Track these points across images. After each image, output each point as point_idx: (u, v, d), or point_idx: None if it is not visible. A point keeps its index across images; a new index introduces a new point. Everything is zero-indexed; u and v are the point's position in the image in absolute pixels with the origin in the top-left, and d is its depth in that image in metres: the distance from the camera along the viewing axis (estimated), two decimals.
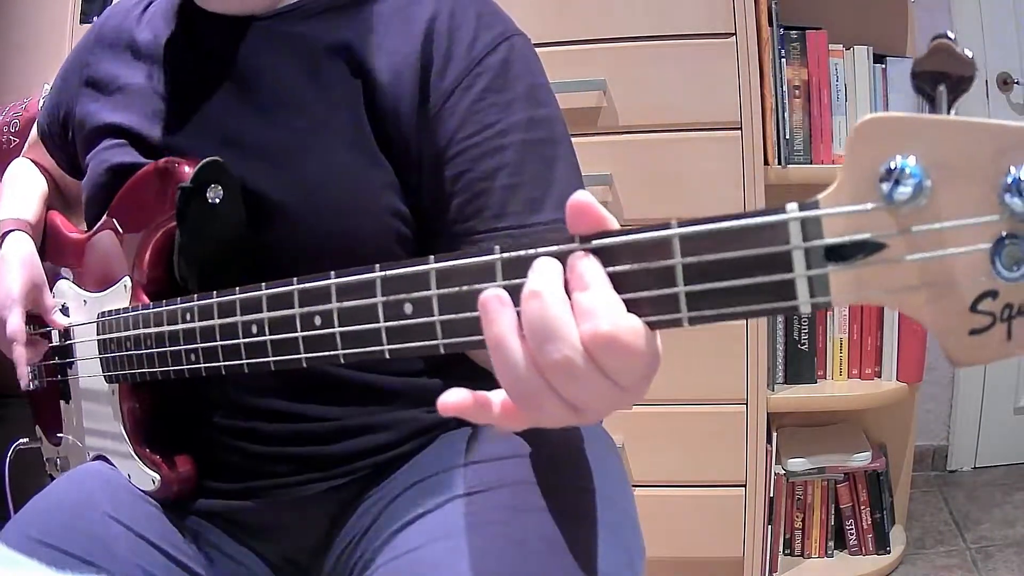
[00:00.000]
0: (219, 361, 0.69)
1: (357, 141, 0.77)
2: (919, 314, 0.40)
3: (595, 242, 0.47)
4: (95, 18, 1.93)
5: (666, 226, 0.44)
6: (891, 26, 1.93)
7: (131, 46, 0.87)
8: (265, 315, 0.64)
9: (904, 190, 0.39)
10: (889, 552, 1.95)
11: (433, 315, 0.52)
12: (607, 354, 0.45)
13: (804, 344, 1.89)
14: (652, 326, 0.46)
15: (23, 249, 0.92)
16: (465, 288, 0.51)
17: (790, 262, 0.41)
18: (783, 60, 1.80)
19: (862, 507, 1.93)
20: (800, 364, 1.90)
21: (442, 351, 0.53)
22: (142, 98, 0.84)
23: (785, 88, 1.80)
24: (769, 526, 1.84)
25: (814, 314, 1.88)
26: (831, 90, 1.82)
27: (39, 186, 1.01)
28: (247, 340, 0.66)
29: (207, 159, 0.74)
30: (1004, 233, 0.38)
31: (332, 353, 0.59)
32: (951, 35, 0.41)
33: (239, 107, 0.80)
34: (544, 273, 0.48)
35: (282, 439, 0.79)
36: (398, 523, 0.73)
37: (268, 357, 0.65)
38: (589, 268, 0.47)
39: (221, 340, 0.69)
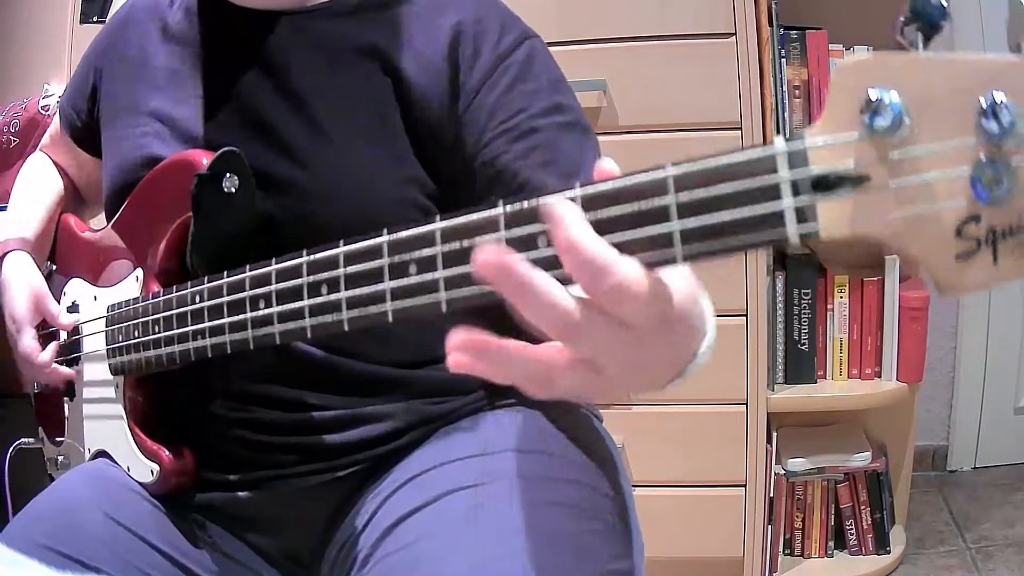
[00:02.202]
0: (224, 336, 0.70)
1: (381, 137, 0.79)
2: (906, 243, 0.42)
3: (590, 188, 0.48)
4: (95, 18, 1.94)
5: (661, 167, 0.46)
6: (891, 26, 1.93)
7: (164, 28, 0.89)
8: (273, 287, 0.65)
9: (884, 120, 0.41)
10: (889, 552, 1.95)
11: (436, 271, 0.52)
12: (617, 305, 0.45)
13: (804, 344, 1.89)
14: (649, 265, 0.46)
15: (22, 268, 0.95)
16: (466, 243, 0.51)
17: (778, 192, 0.43)
18: (783, 60, 1.80)
19: (862, 507, 1.93)
20: (800, 364, 1.90)
21: (444, 308, 0.52)
22: (174, 82, 0.86)
23: (785, 88, 1.80)
24: (769, 526, 1.84)
25: (814, 314, 1.88)
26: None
27: (52, 189, 1.03)
28: (253, 314, 0.67)
29: (224, 149, 0.76)
30: (982, 157, 0.39)
31: (336, 318, 0.59)
32: None
33: (265, 97, 0.82)
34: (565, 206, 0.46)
35: (283, 428, 0.80)
36: (395, 517, 0.73)
37: (273, 328, 0.65)
38: (567, 214, 0.46)
39: (228, 316, 0.69)
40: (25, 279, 0.93)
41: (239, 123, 0.82)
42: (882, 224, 0.42)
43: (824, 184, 0.42)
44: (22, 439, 1.05)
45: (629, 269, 0.44)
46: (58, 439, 0.99)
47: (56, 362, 0.95)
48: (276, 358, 0.79)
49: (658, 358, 0.49)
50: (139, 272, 0.83)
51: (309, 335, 0.62)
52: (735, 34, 1.67)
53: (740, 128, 1.69)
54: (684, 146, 1.70)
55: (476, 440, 0.79)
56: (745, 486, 1.79)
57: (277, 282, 0.64)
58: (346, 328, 0.59)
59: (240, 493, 0.81)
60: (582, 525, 0.70)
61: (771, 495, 1.86)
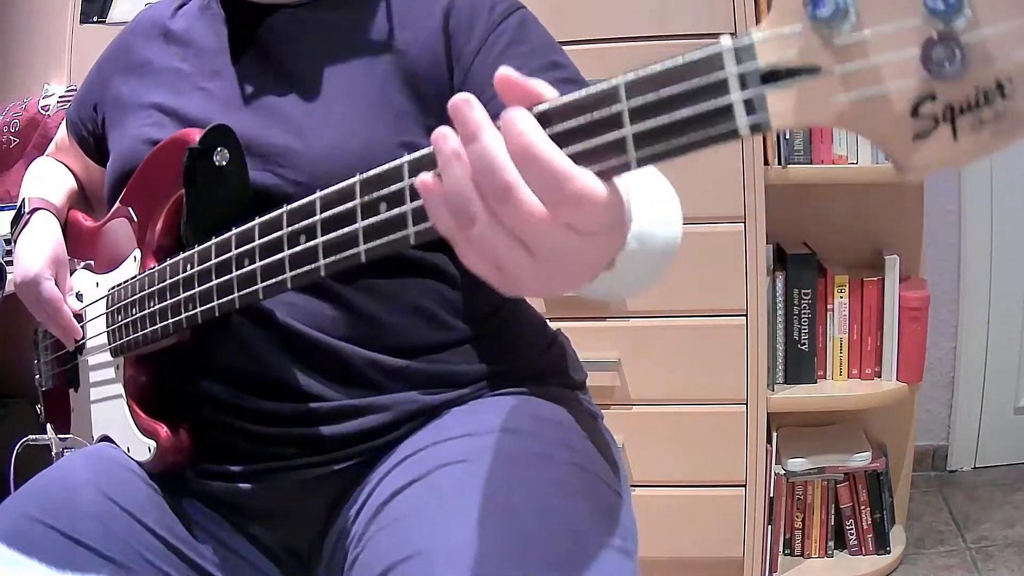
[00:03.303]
0: (213, 301, 0.72)
1: (380, 107, 0.82)
2: (860, 127, 0.42)
3: (545, 104, 0.49)
4: (95, 18, 1.94)
5: (613, 78, 0.47)
6: None
7: (165, 34, 0.93)
8: (256, 243, 0.67)
9: (825, 8, 0.41)
10: (889, 552, 1.95)
11: (405, 205, 0.54)
12: (569, 209, 0.47)
13: (804, 344, 1.89)
14: (603, 175, 0.47)
15: (49, 227, 0.96)
16: (436, 171, 0.52)
17: (727, 87, 0.44)
18: None
19: (862, 507, 1.94)
20: (800, 364, 1.90)
21: (413, 241, 0.54)
22: (176, 79, 0.89)
23: None
24: (769, 526, 1.84)
25: (814, 314, 1.88)
26: None
27: (65, 181, 1.04)
28: (239, 272, 0.69)
29: (214, 123, 0.77)
30: (933, 35, 0.39)
31: (313, 266, 0.61)
32: None
33: (265, 82, 0.84)
34: (481, 116, 0.48)
35: (282, 420, 0.80)
36: (387, 494, 0.74)
37: (256, 285, 0.67)
38: (520, 118, 0.48)
39: (216, 279, 0.71)
40: (54, 240, 0.95)
41: (239, 108, 0.84)
42: (832, 110, 0.42)
43: (772, 76, 0.43)
44: (30, 435, 1.06)
45: (587, 177, 0.46)
46: (64, 435, 0.99)
47: (59, 356, 0.96)
48: (276, 349, 0.79)
49: (599, 257, 0.52)
50: (137, 252, 0.84)
51: (289, 286, 0.64)
52: (735, 34, 1.67)
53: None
54: None
55: (470, 421, 0.79)
56: (745, 486, 1.79)
57: (260, 237, 0.67)
58: (323, 274, 0.61)
59: (239, 484, 0.81)
60: (575, 503, 0.70)
61: (771, 495, 1.86)
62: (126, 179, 0.87)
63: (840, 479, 1.93)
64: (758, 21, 1.68)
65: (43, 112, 1.95)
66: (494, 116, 0.76)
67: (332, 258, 0.60)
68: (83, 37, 1.91)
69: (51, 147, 1.10)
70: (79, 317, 0.93)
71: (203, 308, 0.73)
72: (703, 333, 1.73)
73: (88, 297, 0.92)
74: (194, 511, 0.82)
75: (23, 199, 0.99)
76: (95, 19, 1.95)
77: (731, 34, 0.44)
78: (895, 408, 1.97)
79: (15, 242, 0.97)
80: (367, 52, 0.84)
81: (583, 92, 0.48)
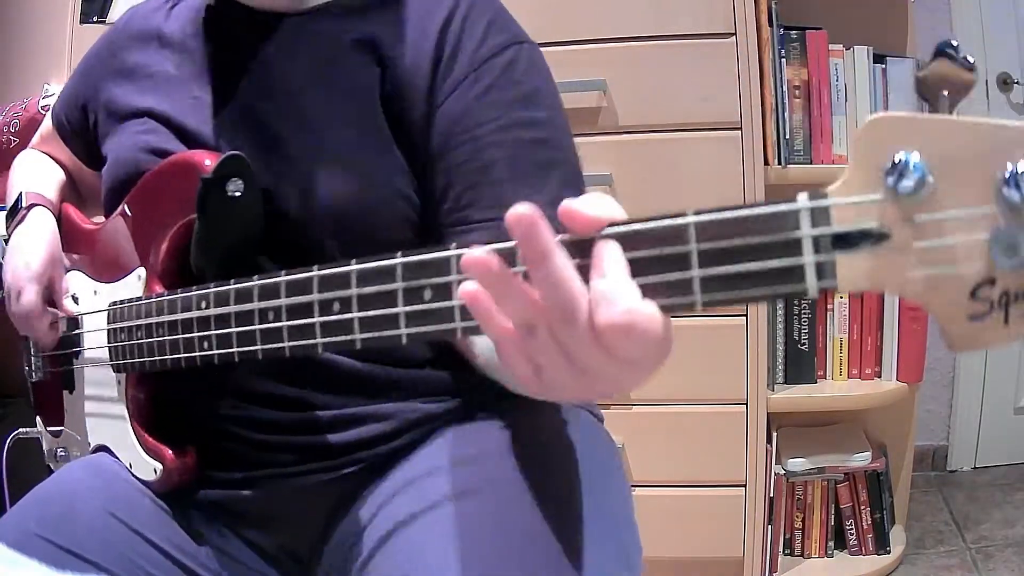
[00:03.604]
0: (232, 347, 0.70)
1: (368, 129, 0.80)
2: (922, 300, 0.43)
3: (612, 229, 0.48)
4: (96, 18, 1.94)
5: (682, 214, 0.47)
6: (891, 26, 1.93)
7: (159, 37, 0.90)
8: (283, 301, 0.65)
9: (908, 183, 0.41)
10: (889, 552, 1.95)
11: (452, 300, 0.53)
12: (621, 340, 0.46)
13: (804, 344, 1.89)
14: (665, 310, 0.47)
15: (46, 226, 0.94)
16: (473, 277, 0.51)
17: (800, 248, 0.44)
18: (783, 60, 1.80)
19: (862, 507, 1.94)
20: (800, 364, 1.90)
21: (459, 335, 0.54)
22: (170, 86, 0.87)
23: (785, 88, 1.80)
24: (769, 526, 1.84)
25: (814, 314, 1.88)
26: (831, 90, 1.82)
27: (56, 174, 1.03)
28: (263, 326, 0.67)
29: (229, 152, 0.76)
30: (1001, 224, 0.40)
31: (349, 338, 0.60)
32: (954, 42, 0.43)
33: (258, 97, 0.82)
34: (551, 241, 0.47)
35: (283, 428, 0.80)
36: (393, 523, 0.73)
37: (283, 343, 0.65)
38: (608, 253, 0.47)
39: (236, 327, 0.69)
40: (50, 239, 0.93)
41: (235, 124, 0.82)
42: (901, 281, 0.43)
43: (845, 241, 0.43)
44: (20, 429, 1.06)
45: (651, 310, 0.46)
46: (56, 430, 0.99)
47: (55, 355, 0.95)
48: (277, 360, 0.79)
49: (643, 378, 0.51)
50: (141, 271, 0.83)
51: (320, 351, 0.62)
52: (735, 34, 1.67)
53: (740, 128, 1.69)
54: (684, 146, 1.70)
55: (471, 444, 0.78)
56: (745, 486, 1.79)
57: (287, 295, 0.64)
58: (359, 346, 0.59)
59: (240, 491, 0.81)
60: (579, 529, 0.70)
61: (771, 495, 1.86)
62: (124, 186, 0.86)
63: (840, 479, 1.93)
64: (758, 22, 1.69)
65: (43, 112, 1.95)
66: (452, 167, 0.77)
67: (370, 334, 0.58)
68: (83, 37, 1.91)
69: (36, 138, 1.07)
70: (75, 322, 0.91)
71: (221, 352, 0.71)
72: (703, 333, 1.73)
73: (85, 302, 0.91)
74: (193, 518, 0.82)
75: (20, 193, 0.97)
76: (95, 19, 1.94)
77: (807, 193, 0.44)
78: (895, 408, 1.97)
79: (10, 236, 0.95)
80: (361, 63, 0.81)
81: (653, 224, 0.47)
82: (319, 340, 0.62)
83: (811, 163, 1.82)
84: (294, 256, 0.77)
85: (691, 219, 0.46)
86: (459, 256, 0.53)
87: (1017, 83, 2.29)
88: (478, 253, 0.47)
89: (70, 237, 0.97)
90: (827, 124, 1.82)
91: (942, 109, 0.43)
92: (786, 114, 1.80)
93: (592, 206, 0.49)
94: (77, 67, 0.99)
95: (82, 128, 0.97)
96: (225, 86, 0.84)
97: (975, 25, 2.28)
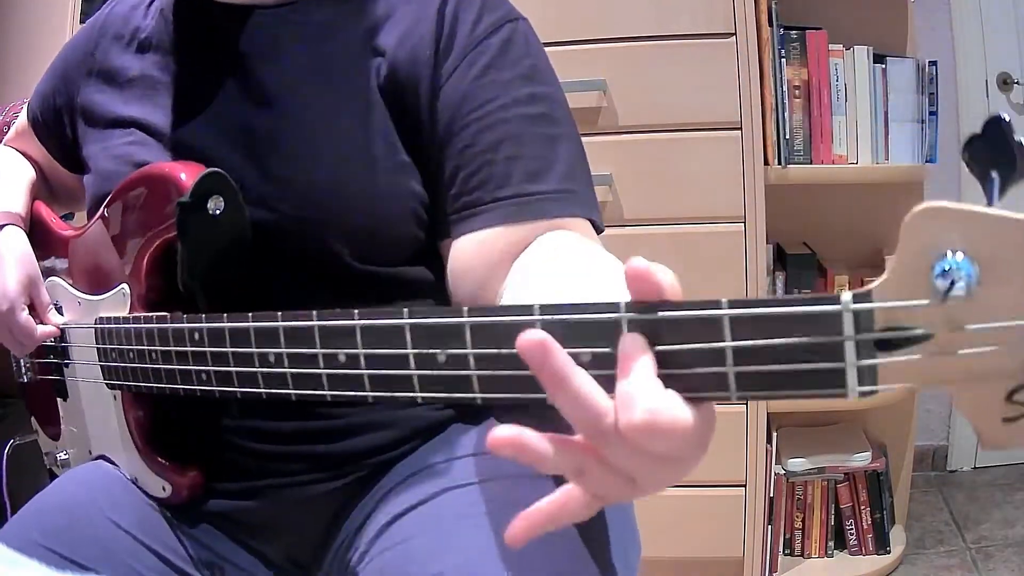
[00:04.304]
0: (235, 386, 0.68)
1: (369, 124, 0.78)
2: (959, 402, 0.42)
3: (646, 315, 0.46)
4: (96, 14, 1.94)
5: (716, 305, 0.44)
6: (891, 26, 1.93)
7: (138, 39, 0.87)
8: (284, 350, 0.62)
9: (959, 290, 0.40)
10: (889, 552, 1.95)
11: (469, 369, 0.51)
12: (648, 440, 0.44)
13: None
14: (701, 400, 0.45)
15: (18, 245, 0.91)
16: (504, 351, 0.49)
17: (842, 352, 0.42)
18: (783, 60, 1.80)
19: (862, 507, 1.93)
20: None
21: (479, 403, 0.52)
22: (152, 91, 0.84)
23: (785, 88, 1.80)
24: (769, 526, 1.84)
25: None
26: (831, 90, 1.82)
27: (26, 175, 0.99)
28: (264, 370, 0.65)
29: (205, 171, 0.74)
30: None
31: (360, 394, 0.57)
32: (1007, 118, 0.42)
33: (248, 99, 0.80)
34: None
35: (287, 438, 0.79)
36: (391, 515, 0.73)
37: (289, 389, 0.63)
38: (632, 352, 0.45)
39: (235, 367, 0.67)
40: (23, 258, 0.89)
41: (221, 130, 0.80)
42: (939, 382, 0.42)
43: (888, 344, 0.42)
44: (18, 436, 1.05)
45: (664, 404, 0.44)
46: (53, 432, 0.98)
47: (43, 361, 0.94)
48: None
49: (693, 464, 0.49)
50: (125, 288, 0.81)
51: (329, 400, 0.61)
52: (735, 34, 1.67)
53: (740, 128, 1.69)
54: (684, 146, 1.70)
55: (472, 441, 0.78)
56: (745, 486, 1.79)
57: (287, 344, 0.62)
58: (370, 400, 0.57)
59: (244, 501, 0.80)
60: (577, 524, 0.70)
61: (771, 495, 1.86)
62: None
63: (840, 479, 1.93)
64: (758, 22, 1.69)
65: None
66: (459, 151, 0.76)
67: (382, 393, 0.56)
68: None
69: (11, 133, 1.04)
70: (61, 333, 0.90)
71: (223, 389, 0.69)
72: None
73: (69, 312, 0.89)
74: (196, 526, 0.81)
75: None
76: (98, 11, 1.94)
77: (852, 293, 0.42)
78: (895, 408, 1.97)
79: None
80: (356, 53, 0.79)
81: (687, 313, 0.45)
82: (327, 392, 0.60)
83: (811, 163, 1.82)
84: (299, 261, 0.77)
85: (725, 312, 0.44)
86: (472, 324, 0.50)
87: (1017, 83, 2.28)
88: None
89: (45, 241, 0.94)
90: (827, 124, 1.82)
91: (990, 191, 0.41)
92: (786, 114, 1.80)
93: (663, 272, 0.46)
94: (53, 63, 0.95)
95: (57, 127, 0.94)
96: (212, 90, 0.80)
97: (975, 25, 2.28)
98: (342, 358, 0.58)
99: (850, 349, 0.42)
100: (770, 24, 1.75)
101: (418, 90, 0.78)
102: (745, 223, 1.71)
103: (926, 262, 0.41)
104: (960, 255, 0.40)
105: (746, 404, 1.75)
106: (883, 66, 1.84)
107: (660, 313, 0.45)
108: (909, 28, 1.94)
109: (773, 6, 1.77)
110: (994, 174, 0.41)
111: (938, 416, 2.41)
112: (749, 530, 1.80)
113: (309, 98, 0.79)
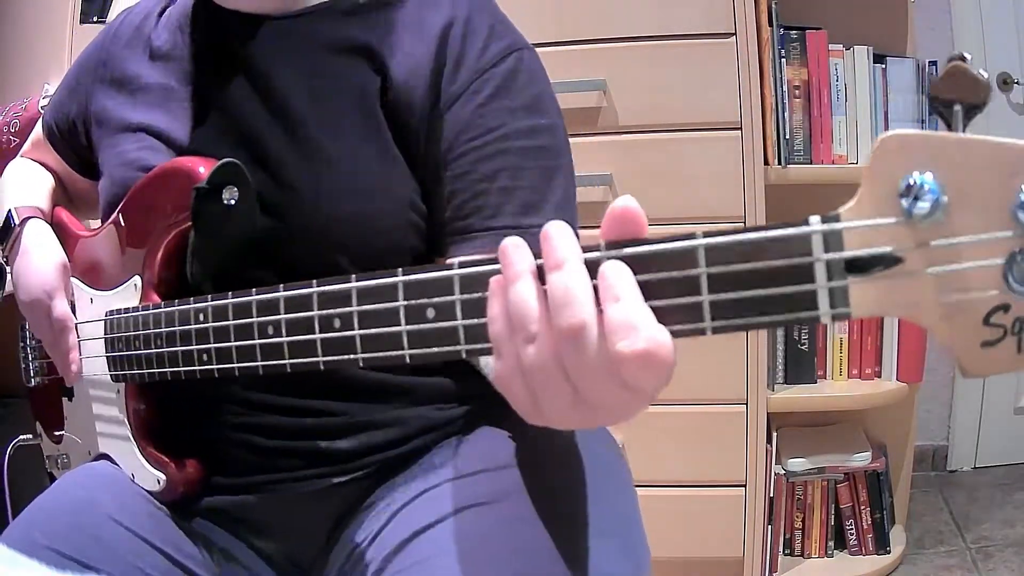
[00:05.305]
0: (233, 362, 0.69)
1: (371, 137, 0.79)
2: (934, 326, 0.42)
3: (623, 250, 0.47)
4: (95, 18, 1.94)
5: (691, 236, 0.45)
6: (891, 26, 1.93)
7: (150, 47, 0.89)
8: (282, 317, 0.64)
9: (923, 206, 0.40)
10: (889, 552, 1.95)
11: (456, 319, 0.52)
12: (639, 370, 0.44)
13: (804, 344, 1.89)
14: (675, 335, 0.45)
15: (48, 236, 0.92)
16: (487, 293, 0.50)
17: (812, 273, 0.42)
18: (783, 60, 1.80)
19: (862, 507, 1.94)
20: (800, 364, 1.90)
21: (464, 356, 0.53)
22: (164, 99, 0.85)
23: (785, 88, 1.80)
24: (769, 526, 1.84)
25: None
26: (831, 90, 1.82)
27: (46, 181, 1.02)
28: (262, 341, 0.66)
29: (223, 160, 0.75)
30: (1017, 249, 0.39)
31: (351, 356, 0.59)
32: (967, 56, 0.42)
33: (255, 108, 0.81)
34: (569, 247, 0.47)
35: (289, 434, 0.79)
36: (408, 532, 0.73)
37: (284, 359, 0.64)
38: (622, 276, 0.46)
39: (235, 341, 0.68)
40: (52, 249, 0.91)
41: (230, 136, 0.81)
42: (914, 307, 0.42)
43: (858, 265, 0.42)
44: (20, 436, 1.05)
45: (662, 337, 0.44)
46: (57, 436, 0.99)
47: (52, 363, 0.95)
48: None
49: (637, 411, 0.50)
50: (137, 280, 0.82)
51: (322, 367, 0.61)
52: (735, 34, 1.67)
53: (740, 128, 1.69)
54: (684, 146, 1.70)
55: (482, 455, 0.78)
56: (745, 486, 1.79)
57: (286, 311, 0.63)
58: (361, 365, 0.58)
59: (245, 497, 0.81)
60: (590, 538, 0.70)
61: (771, 495, 1.86)
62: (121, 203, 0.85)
63: (840, 479, 1.93)
64: (758, 22, 1.69)
65: (43, 112, 1.95)
66: (458, 175, 0.76)
67: (372, 354, 0.57)
68: (83, 37, 1.91)
69: (27, 145, 1.06)
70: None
71: (221, 366, 0.70)
72: None
73: (81, 311, 0.90)
74: (198, 524, 0.81)
75: (8, 210, 0.95)
76: (95, 19, 1.94)
77: (819, 216, 0.43)
78: (895, 408, 1.97)
79: (9, 256, 0.93)
80: (356, 70, 0.80)
81: (662, 246, 0.46)
82: (320, 358, 0.61)
83: (811, 163, 1.82)
84: (298, 269, 0.77)
85: (700, 242, 0.45)
86: (461, 275, 0.52)
87: (1017, 83, 2.28)
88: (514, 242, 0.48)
89: (65, 243, 0.96)
90: (827, 124, 1.82)
91: (955, 124, 0.42)
92: (786, 114, 1.80)
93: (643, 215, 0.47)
94: (68, 73, 0.97)
95: (72, 136, 0.96)
96: (221, 97, 0.82)
97: (975, 25, 2.28)
98: (337, 323, 0.59)
99: (820, 270, 0.42)
100: (770, 24, 1.75)
101: (417, 110, 0.79)
102: (745, 223, 1.71)
103: (893, 184, 0.41)
104: (924, 175, 0.41)
105: (746, 403, 1.75)
106: (883, 66, 1.84)
107: (639, 248, 0.46)
108: (909, 28, 1.94)
109: (773, 6, 1.77)
110: (957, 107, 0.42)
111: (938, 416, 2.41)
112: (749, 530, 1.80)
113: (313, 110, 0.80)
